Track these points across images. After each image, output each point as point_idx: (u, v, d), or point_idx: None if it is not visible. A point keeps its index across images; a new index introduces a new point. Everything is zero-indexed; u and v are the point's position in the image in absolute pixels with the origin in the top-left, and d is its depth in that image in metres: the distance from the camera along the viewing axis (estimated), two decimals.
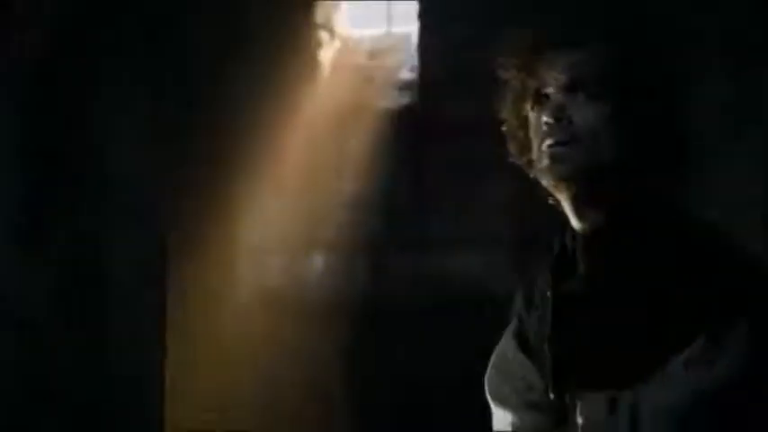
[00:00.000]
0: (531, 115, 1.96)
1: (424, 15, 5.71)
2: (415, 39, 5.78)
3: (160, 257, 5.28)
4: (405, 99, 5.77)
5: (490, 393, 2.10)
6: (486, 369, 1.99)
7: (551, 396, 1.93)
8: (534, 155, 1.95)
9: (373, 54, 5.96)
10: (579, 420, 1.83)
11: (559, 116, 1.89)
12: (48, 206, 5.03)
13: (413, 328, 5.50)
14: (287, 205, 5.63)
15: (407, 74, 5.81)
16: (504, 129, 2.04)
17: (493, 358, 2.13)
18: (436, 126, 5.62)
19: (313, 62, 5.80)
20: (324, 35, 5.89)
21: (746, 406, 1.77)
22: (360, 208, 5.64)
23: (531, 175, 2.00)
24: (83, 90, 4.91)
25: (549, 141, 1.90)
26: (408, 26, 5.87)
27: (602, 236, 1.92)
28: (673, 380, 1.77)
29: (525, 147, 1.99)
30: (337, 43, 5.96)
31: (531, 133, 1.96)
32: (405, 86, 5.79)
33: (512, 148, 2.04)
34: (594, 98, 1.89)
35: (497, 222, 5.56)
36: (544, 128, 1.91)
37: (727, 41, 3.42)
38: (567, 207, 1.97)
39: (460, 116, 5.56)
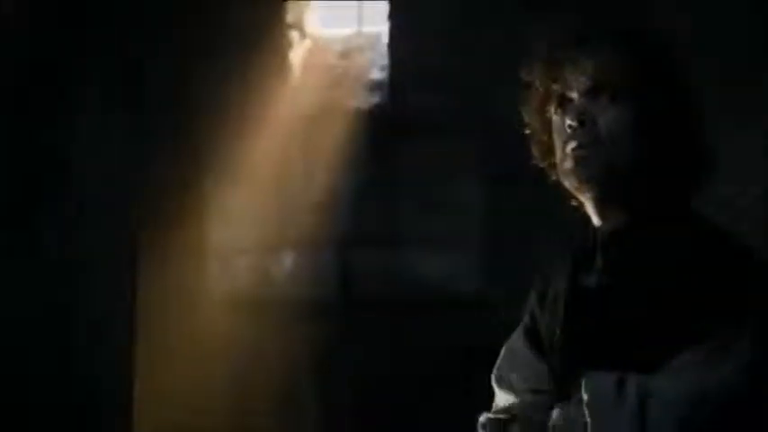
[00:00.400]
0: (555, 118, 2.00)
1: (395, 15, 5.73)
2: (385, 38, 5.80)
3: (130, 257, 5.27)
4: (375, 98, 5.77)
5: (497, 382, 2.16)
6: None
7: (556, 384, 1.98)
8: (557, 157, 1.99)
9: (344, 54, 5.96)
10: (585, 397, 1.84)
11: (583, 119, 1.94)
12: (18, 207, 5.00)
13: (383, 326, 5.52)
14: (258, 204, 5.61)
15: (378, 73, 5.82)
16: (527, 132, 2.08)
17: (503, 351, 2.18)
18: (407, 125, 5.64)
19: (284, 62, 5.78)
20: (295, 35, 5.88)
21: (751, 407, 1.80)
22: (330, 207, 5.64)
23: (554, 178, 2.03)
24: (56, 90, 4.89)
25: (572, 144, 1.94)
26: (379, 26, 5.89)
27: (621, 234, 1.96)
28: (681, 375, 1.80)
29: (548, 150, 2.03)
30: (308, 43, 5.95)
31: (555, 136, 2.00)
32: (375, 86, 5.79)
33: (535, 151, 2.08)
34: (617, 101, 1.93)
35: (468, 222, 5.59)
36: (568, 131, 1.95)
37: (726, 43, 3.47)
38: (589, 207, 2.01)
39: (431, 115, 5.59)
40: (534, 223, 5.27)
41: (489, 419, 2.04)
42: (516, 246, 5.46)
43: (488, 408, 2.15)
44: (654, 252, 1.93)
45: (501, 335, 2.23)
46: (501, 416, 2.04)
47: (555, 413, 1.90)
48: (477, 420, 2.06)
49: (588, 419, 1.82)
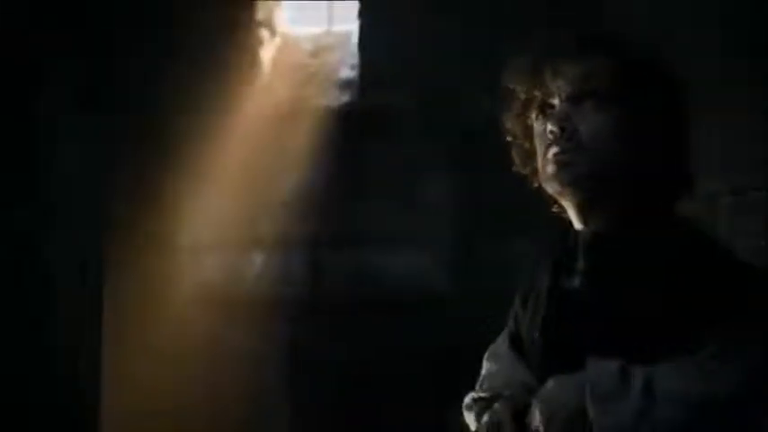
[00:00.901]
0: (536, 124, 2.00)
1: (365, 14, 5.74)
2: (355, 37, 5.81)
3: (99, 256, 5.24)
4: (345, 97, 5.78)
5: (482, 385, 2.15)
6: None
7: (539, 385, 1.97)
8: (539, 163, 1.99)
9: (314, 52, 5.97)
10: (588, 384, 1.83)
11: (564, 125, 1.94)
12: None
13: (354, 326, 5.53)
14: (227, 203, 5.61)
15: (348, 72, 5.83)
16: (508, 138, 2.08)
17: (486, 355, 2.19)
18: (377, 124, 5.65)
19: (254, 60, 5.78)
20: (265, 33, 5.88)
21: (754, 411, 1.80)
22: (299, 206, 5.64)
23: (535, 184, 2.03)
24: (23, 90, 4.86)
25: (554, 150, 1.94)
26: (349, 25, 5.90)
27: (604, 236, 1.97)
28: (685, 378, 1.79)
29: (529, 156, 2.03)
30: (278, 41, 5.96)
31: (536, 142, 2.00)
32: (345, 85, 5.80)
33: (516, 157, 2.07)
34: (599, 108, 1.93)
35: (437, 220, 5.61)
36: (549, 136, 1.95)
37: (726, 43, 3.46)
38: (571, 212, 2.01)
39: (401, 114, 5.60)
40: (506, 221, 5.29)
41: (473, 399, 2.05)
42: (488, 244, 5.48)
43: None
44: (636, 254, 1.93)
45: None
46: (483, 395, 2.05)
47: (548, 383, 1.89)
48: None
49: (591, 406, 1.81)
